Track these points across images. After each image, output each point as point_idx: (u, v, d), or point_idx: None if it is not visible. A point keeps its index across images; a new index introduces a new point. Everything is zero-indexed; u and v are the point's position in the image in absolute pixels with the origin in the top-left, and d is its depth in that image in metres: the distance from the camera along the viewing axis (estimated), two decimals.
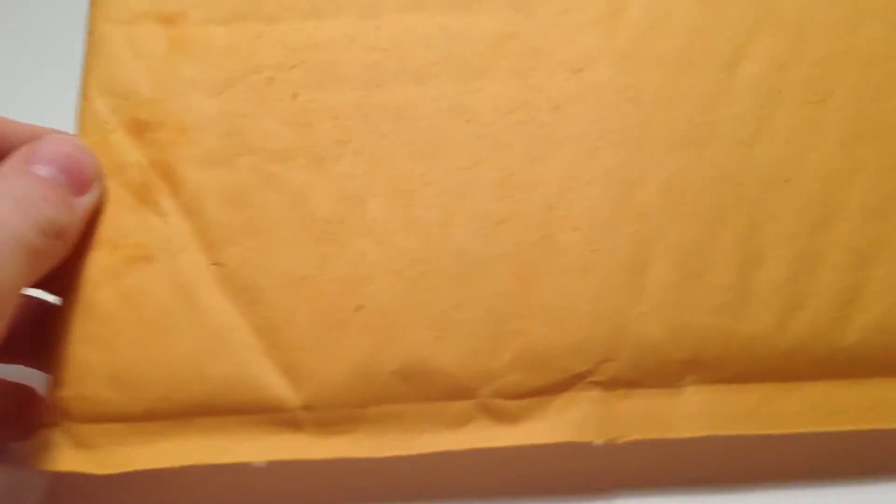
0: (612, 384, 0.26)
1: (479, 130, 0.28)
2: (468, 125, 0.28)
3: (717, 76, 0.28)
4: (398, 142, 0.28)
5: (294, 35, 0.29)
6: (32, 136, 0.27)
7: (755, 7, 0.29)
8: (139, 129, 0.28)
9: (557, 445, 0.26)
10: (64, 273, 0.27)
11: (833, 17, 0.29)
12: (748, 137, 0.28)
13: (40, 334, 0.28)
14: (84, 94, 0.29)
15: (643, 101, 0.28)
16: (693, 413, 0.26)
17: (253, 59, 0.29)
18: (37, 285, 0.27)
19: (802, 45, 0.28)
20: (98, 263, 0.27)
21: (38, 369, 0.28)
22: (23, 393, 0.28)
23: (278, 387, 0.26)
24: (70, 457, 0.26)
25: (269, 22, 0.29)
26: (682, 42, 0.28)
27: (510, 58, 0.28)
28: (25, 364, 0.29)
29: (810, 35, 0.28)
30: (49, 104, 0.31)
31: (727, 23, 0.29)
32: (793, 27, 0.29)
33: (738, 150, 0.28)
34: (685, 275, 0.27)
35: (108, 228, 0.27)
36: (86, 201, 0.26)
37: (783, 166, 0.27)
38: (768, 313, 0.26)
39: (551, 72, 0.28)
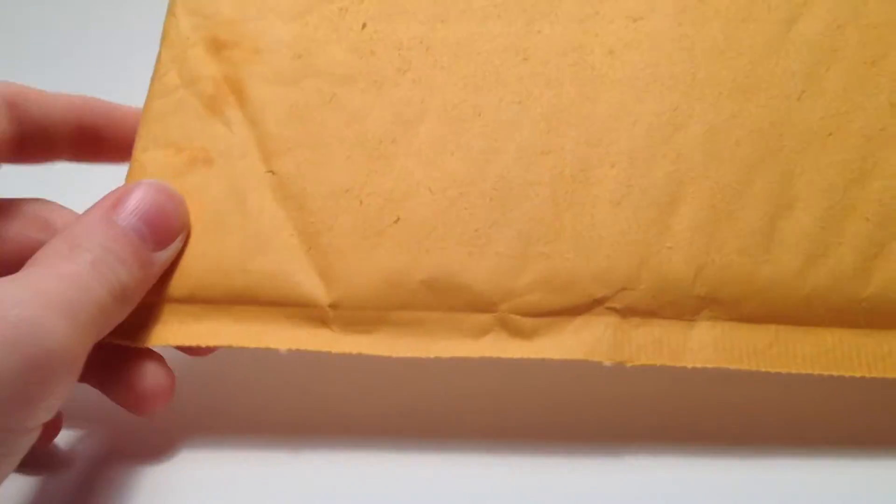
0: (629, 312, 0.27)
1: (533, 69, 0.29)
2: (523, 63, 0.29)
3: (773, 31, 0.29)
4: (455, 74, 0.29)
5: None
6: (126, 121, 0.30)
7: None
8: (216, 46, 0.30)
9: (569, 386, 0.26)
10: (130, 172, 0.29)
11: None
12: (796, 92, 0.28)
13: None
14: (170, 10, 0.31)
15: (697, 51, 0.29)
16: (705, 345, 0.26)
17: None
18: None
19: (862, 7, 0.29)
20: (163, 161, 0.29)
21: None
22: None
23: (312, 285, 0.27)
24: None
25: None
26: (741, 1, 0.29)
27: (572, 3, 0.29)
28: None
29: None
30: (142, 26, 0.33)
31: None
32: None
33: (785, 104, 0.28)
34: (714, 215, 0.27)
35: (175, 132, 0.29)
36: (164, 256, 0.27)
37: (827, 121, 0.28)
38: (792, 258, 0.27)
39: (611, 18, 0.29)
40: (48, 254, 0.24)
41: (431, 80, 0.29)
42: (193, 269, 0.28)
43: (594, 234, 0.27)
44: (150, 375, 0.27)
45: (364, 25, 0.30)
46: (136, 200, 0.26)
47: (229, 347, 0.27)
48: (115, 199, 0.26)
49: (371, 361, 0.27)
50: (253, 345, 0.27)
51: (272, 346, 0.27)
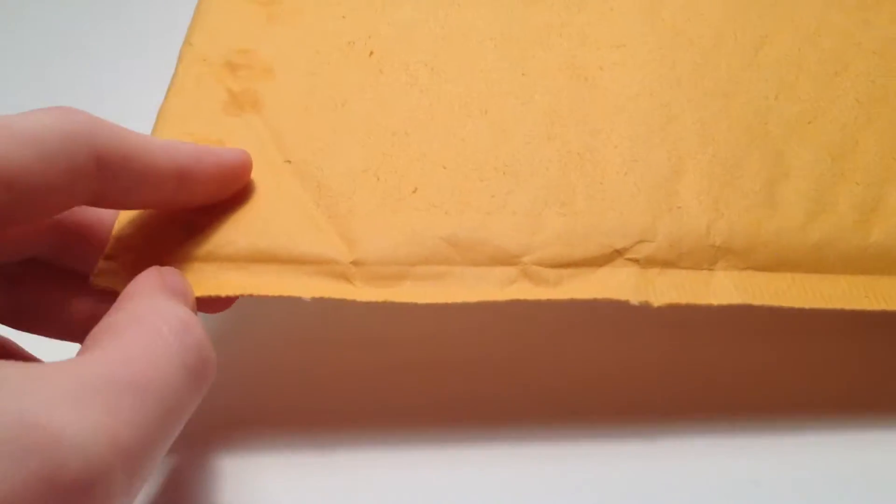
0: (648, 262, 0.27)
1: (533, 81, 0.31)
2: (523, 77, 0.32)
3: (743, 53, 0.32)
4: (460, 86, 0.31)
5: (374, 16, 0.34)
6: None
7: (773, 9, 0.33)
8: (231, 67, 0.32)
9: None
10: None
11: (843, 23, 0.33)
12: (773, 93, 0.31)
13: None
14: (187, 40, 0.33)
15: (678, 67, 0.32)
16: (726, 287, 0.27)
17: (337, 31, 0.33)
18: None
19: (817, 38, 0.33)
20: None
21: None
22: None
23: (333, 245, 0.27)
24: (122, 281, 0.26)
25: (353, 9, 0.34)
26: (713, 31, 0.33)
27: (562, 37, 0.33)
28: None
29: (824, 31, 0.33)
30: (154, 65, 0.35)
31: (750, 21, 0.33)
32: (807, 26, 0.33)
33: (764, 102, 0.31)
34: (717, 182, 0.29)
35: (192, 125, 0.30)
36: None
37: (806, 113, 0.30)
38: (795, 214, 0.28)
39: (597, 46, 0.33)
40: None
41: (438, 90, 0.31)
42: (211, 232, 0.27)
43: (605, 197, 0.28)
44: None
45: (371, 53, 0.32)
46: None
47: (250, 296, 0.26)
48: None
49: (393, 345, 0.28)
50: (275, 293, 0.26)
51: (295, 293, 0.26)
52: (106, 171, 0.23)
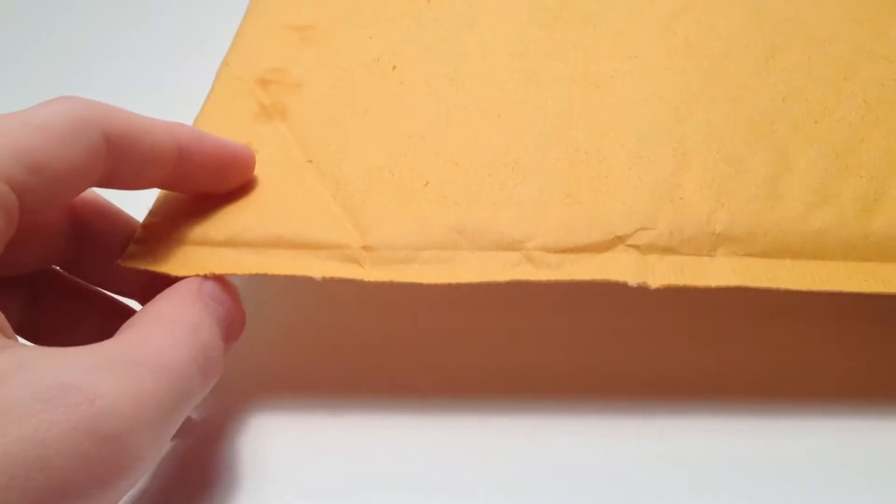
0: (649, 249, 0.28)
1: (546, 89, 0.33)
2: (536, 86, 0.33)
3: (753, 61, 0.33)
4: (476, 94, 0.33)
5: (399, 36, 0.36)
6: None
7: (785, 24, 0.34)
8: (263, 83, 0.34)
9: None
10: None
11: (855, 33, 0.34)
12: (781, 96, 0.32)
13: None
14: (224, 62, 0.35)
15: (688, 75, 0.33)
16: (725, 271, 0.27)
17: (363, 49, 0.35)
18: None
19: (828, 47, 0.34)
20: None
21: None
22: None
23: (345, 232, 0.29)
24: (149, 262, 0.28)
25: (380, 31, 0.36)
26: (725, 43, 0.34)
27: (577, 50, 0.34)
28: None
29: (835, 40, 0.34)
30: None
31: (762, 34, 0.34)
32: (818, 37, 0.34)
33: (772, 104, 0.32)
34: (720, 176, 0.29)
35: (223, 131, 0.32)
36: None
37: (813, 113, 0.31)
38: (796, 205, 0.28)
39: (609, 58, 0.34)
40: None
41: (455, 99, 0.33)
42: (233, 220, 0.29)
43: (609, 188, 0.29)
44: None
45: (395, 67, 0.34)
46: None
47: (265, 275, 0.28)
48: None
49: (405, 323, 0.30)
50: (288, 272, 0.28)
51: (307, 273, 0.28)
52: (115, 151, 0.25)
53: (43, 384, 0.20)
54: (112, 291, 0.30)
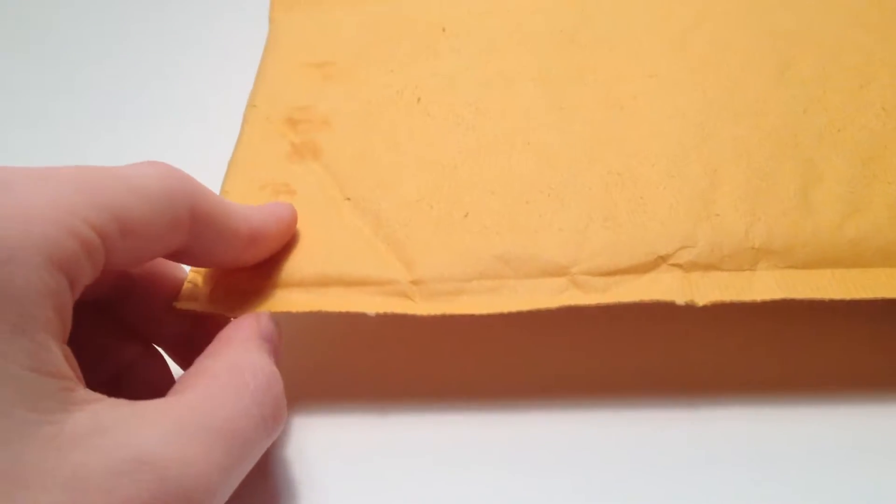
0: (691, 267, 0.29)
1: (571, 114, 0.34)
2: (560, 111, 0.34)
3: (770, 75, 0.34)
4: (504, 123, 0.34)
5: (419, 68, 0.36)
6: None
7: (795, 35, 0.35)
8: (292, 122, 0.35)
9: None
10: None
11: (864, 40, 0.35)
12: (801, 108, 0.33)
13: None
14: (250, 102, 0.36)
15: (709, 92, 0.34)
16: (769, 285, 0.28)
17: (386, 83, 0.36)
18: None
19: (840, 56, 0.34)
20: (246, 192, 0.32)
21: None
22: None
23: (393, 269, 0.29)
24: (203, 305, 0.29)
25: (401, 64, 0.37)
26: (739, 58, 0.35)
27: (596, 74, 0.35)
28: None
29: (847, 49, 0.35)
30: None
31: (774, 47, 0.35)
32: (829, 46, 0.35)
33: (794, 117, 0.32)
34: (752, 190, 0.30)
35: (259, 173, 0.33)
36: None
37: (834, 122, 0.32)
38: (830, 215, 0.29)
39: (630, 78, 0.35)
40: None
41: (483, 127, 0.33)
42: (282, 262, 0.30)
43: (646, 209, 0.30)
44: None
45: (419, 99, 0.35)
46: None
47: (320, 312, 0.28)
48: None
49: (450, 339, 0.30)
50: (341, 309, 0.28)
51: (361, 310, 0.28)
52: (195, 228, 0.26)
53: (119, 456, 0.20)
54: (144, 335, 0.30)
